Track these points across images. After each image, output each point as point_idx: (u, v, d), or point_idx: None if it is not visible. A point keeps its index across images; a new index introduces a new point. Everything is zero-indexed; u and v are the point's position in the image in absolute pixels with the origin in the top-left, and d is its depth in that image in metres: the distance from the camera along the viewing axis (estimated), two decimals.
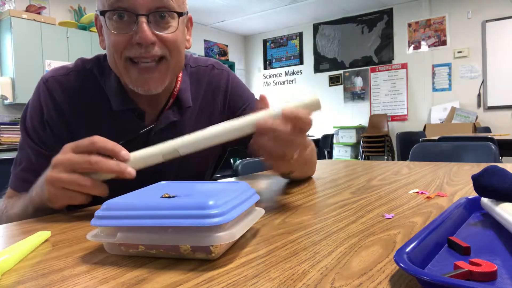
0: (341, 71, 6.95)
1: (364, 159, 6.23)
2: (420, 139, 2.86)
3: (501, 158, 2.70)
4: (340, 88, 6.96)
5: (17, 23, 4.34)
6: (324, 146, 5.76)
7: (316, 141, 5.52)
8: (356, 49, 6.76)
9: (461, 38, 5.82)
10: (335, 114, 6.94)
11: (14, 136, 3.78)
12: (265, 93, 0.61)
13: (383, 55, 6.50)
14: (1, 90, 4.33)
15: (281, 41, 7.68)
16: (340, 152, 6.74)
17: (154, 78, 0.72)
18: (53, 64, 4.56)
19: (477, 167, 1.04)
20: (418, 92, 6.21)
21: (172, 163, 0.85)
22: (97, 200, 0.60)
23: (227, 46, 7.72)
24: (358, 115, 6.80)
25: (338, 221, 0.52)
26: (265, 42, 7.90)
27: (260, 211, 0.48)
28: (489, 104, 5.60)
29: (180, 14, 0.73)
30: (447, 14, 5.92)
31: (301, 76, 7.44)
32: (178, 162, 0.85)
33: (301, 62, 7.45)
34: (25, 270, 0.37)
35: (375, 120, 6.50)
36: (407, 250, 0.32)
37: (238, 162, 1.45)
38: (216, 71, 0.91)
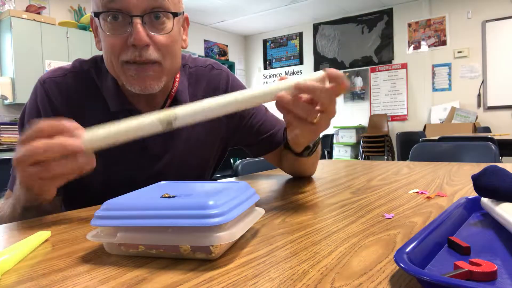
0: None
1: (364, 159, 6.22)
2: (420, 139, 2.86)
3: (501, 158, 2.71)
4: None
5: (17, 23, 4.34)
6: (324, 146, 5.76)
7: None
8: (356, 49, 6.76)
9: (461, 38, 5.82)
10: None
11: (14, 136, 3.78)
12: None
13: (383, 55, 6.50)
14: (1, 90, 4.33)
15: (281, 41, 7.68)
16: (340, 152, 6.73)
17: (150, 76, 0.72)
18: (53, 64, 4.56)
19: (477, 167, 1.04)
20: (418, 92, 6.21)
21: (173, 163, 0.86)
22: (97, 200, 0.60)
23: (227, 46, 7.72)
24: (358, 115, 6.80)
25: (338, 221, 0.52)
26: (265, 42, 7.90)
27: (260, 211, 0.48)
28: (489, 104, 5.60)
29: (175, 15, 0.73)
30: (447, 14, 5.92)
31: (301, 76, 7.43)
32: (178, 162, 0.85)
33: (301, 62, 7.45)
34: (25, 270, 0.37)
35: (375, 120, 6.50)
36: (407, 250, 0.32)
37: (238, 162, 1.45)
38: (215, 72, 0.91)
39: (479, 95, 5.68)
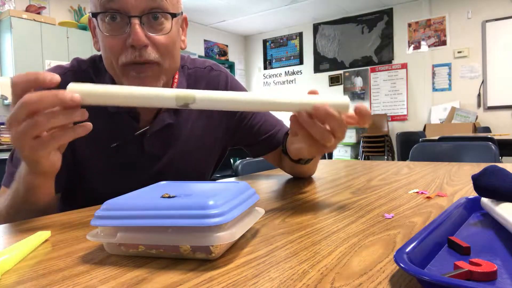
0: (341, 71, 6.95)
1: (364, 159, 6.23)
2: (420, 139, 2.86)
3: (501, 158, 2.70)
4: (340, 88, 6.96)
5: (17, 23, 4.34)
6: None
7: None
8: (356, 49, 6.76)
9: (461, 38, 5.82)
10: None
11: None
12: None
13: (383, 55, 6.50)
14: (1, 90, 4.32)
15: (281, 41, 7.68)
16: (340, 152, 6.73)
17: (149, 77, 0.72)
18: (53, 64, 4.54)
19: (477, 167, 1.04)
20: (418, 92, 6.21)
21: (173, 164, 0.86)
22: (97, 200, 0.60)
23: (227, 46, 7.72)
24: None
25: (338, 221, 0.52)
26: (265, 42, 7.90)
27: (260, 211, 0.48)
28: (489, 104, 5.60)
29: (173, 15, 0.73)
30: (447, 14, 5.92)
31: (301, 76, 7.44)
32: (178, 163, 0.85)
33: (301, 62, 7.45)
34: (25, 270, 0.37)
35: (375, 120, 6.49)
36: (407, 250, 0.32)
37: (238, 162, 1.45)
38: (214, 73, 0.91)
39: (479, 95, 5.68)
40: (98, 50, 0.76)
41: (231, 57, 7.81)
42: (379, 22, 6.51)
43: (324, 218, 0.53)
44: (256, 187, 0.83)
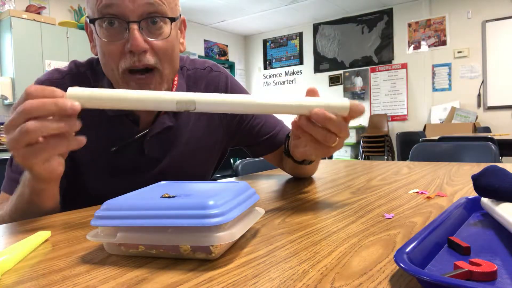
0: (341, 71, 6.95)
1: (364, 159, 6.23)
2: (420, 139, 2.87)
3: (501, 158, 2.71)
4: (340, 88, 6.96)
5: (17, 23, 4.34)
6: None
7: None
8: (356, 49, 6.76)
9: (461, 38, 5.82)
10: None
11: None
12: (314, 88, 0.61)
13: (383, 55, 6.50)
14: (1, 90, 4.33)
15: (281, 41, 7.68)
16: (340, 152, 6.73)
17: (151, 88, 0.72)
18: (53, 64, 4.56)
19: (477, 167, 1.04)
20: (418, 92, 6.21)
21: (173, 166, 0.85)
22: (97, 200, 0.59)
23: (227, 46, 7.72)
24: None
25: (338, 221, 0.52)
26: (265, 42, 7.90)
27: (260, 211, 0.48)
28: (489, 104, 5.60)
29: (172, 19, 0.72)
30: (447, 14, 5.92)
31: (301, 76, 7.44)
32: (177, 166, 0.85)
33: (301, 62, 7.45)
34: (25, 270, 0.37)
35: (375, 120, 6.49)
36: (407, 250, 0.32)
37: (238, 162, 1.45)
38: (214, 74, 0.90)
39: (479, 95, 5.68)
40: (96, 55, 0.76)
41: (231, 57, 7.81)
42: (379, 22, 6.51)
43: (324, 218, 0.53)
44: (256, 187, 0.83)
